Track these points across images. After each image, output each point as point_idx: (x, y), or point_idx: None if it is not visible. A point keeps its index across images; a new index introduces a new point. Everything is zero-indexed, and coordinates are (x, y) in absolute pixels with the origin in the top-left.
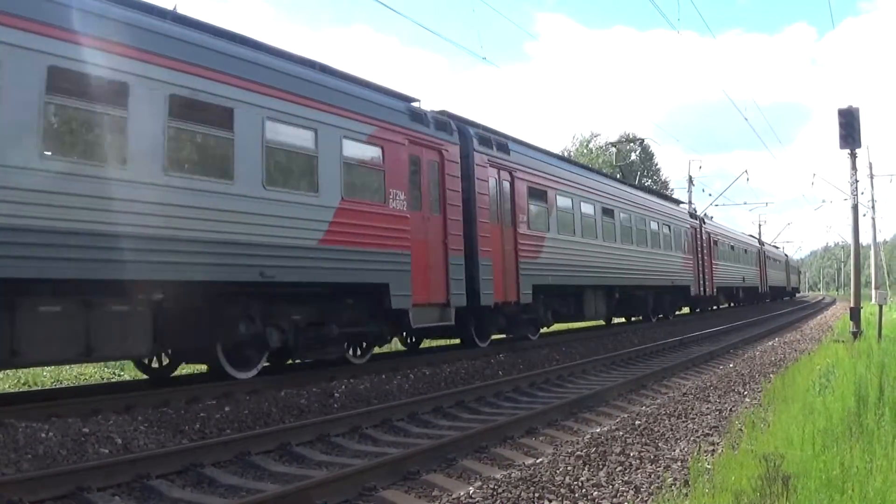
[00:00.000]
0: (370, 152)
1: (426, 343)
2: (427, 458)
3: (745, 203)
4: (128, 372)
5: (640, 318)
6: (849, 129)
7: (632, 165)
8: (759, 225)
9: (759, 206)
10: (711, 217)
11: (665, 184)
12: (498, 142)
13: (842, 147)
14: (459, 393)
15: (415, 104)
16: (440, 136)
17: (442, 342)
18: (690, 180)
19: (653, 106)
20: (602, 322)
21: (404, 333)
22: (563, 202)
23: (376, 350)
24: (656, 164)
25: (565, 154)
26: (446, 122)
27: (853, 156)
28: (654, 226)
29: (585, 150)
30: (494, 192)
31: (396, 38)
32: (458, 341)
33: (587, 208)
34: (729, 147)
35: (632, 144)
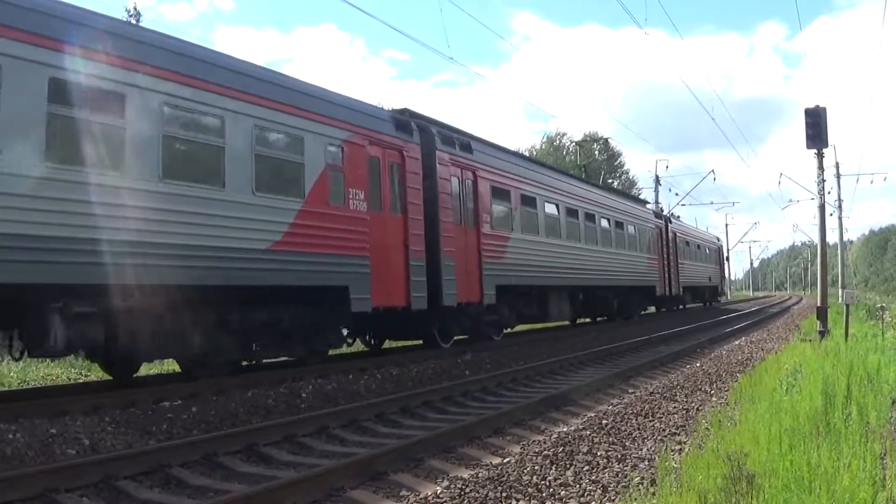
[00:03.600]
0: (641, 230)
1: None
2: (395, 459)
3: (711, 203)
4: (94, 373)
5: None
6: (816, 129)
7: (593, 164)
8: (727, 226)
9: (727, 206)
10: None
11: (632, 182)
12: (667, 218)
13: (808, 147)
14: (427, 393)
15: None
16: (660, 221)
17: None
18: (658, 180)
19: (622, 105)
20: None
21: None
22: (686, 244)
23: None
24: (622, 164)
25: (532, 152)
26: (659, 211)
27: (820, 155)
28: (709, 252)
29: (551, 149)
30: (671, 243)
31: (363, 38)
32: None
33: (693, 246)
34: (700, 146)
35: (595, 144)
